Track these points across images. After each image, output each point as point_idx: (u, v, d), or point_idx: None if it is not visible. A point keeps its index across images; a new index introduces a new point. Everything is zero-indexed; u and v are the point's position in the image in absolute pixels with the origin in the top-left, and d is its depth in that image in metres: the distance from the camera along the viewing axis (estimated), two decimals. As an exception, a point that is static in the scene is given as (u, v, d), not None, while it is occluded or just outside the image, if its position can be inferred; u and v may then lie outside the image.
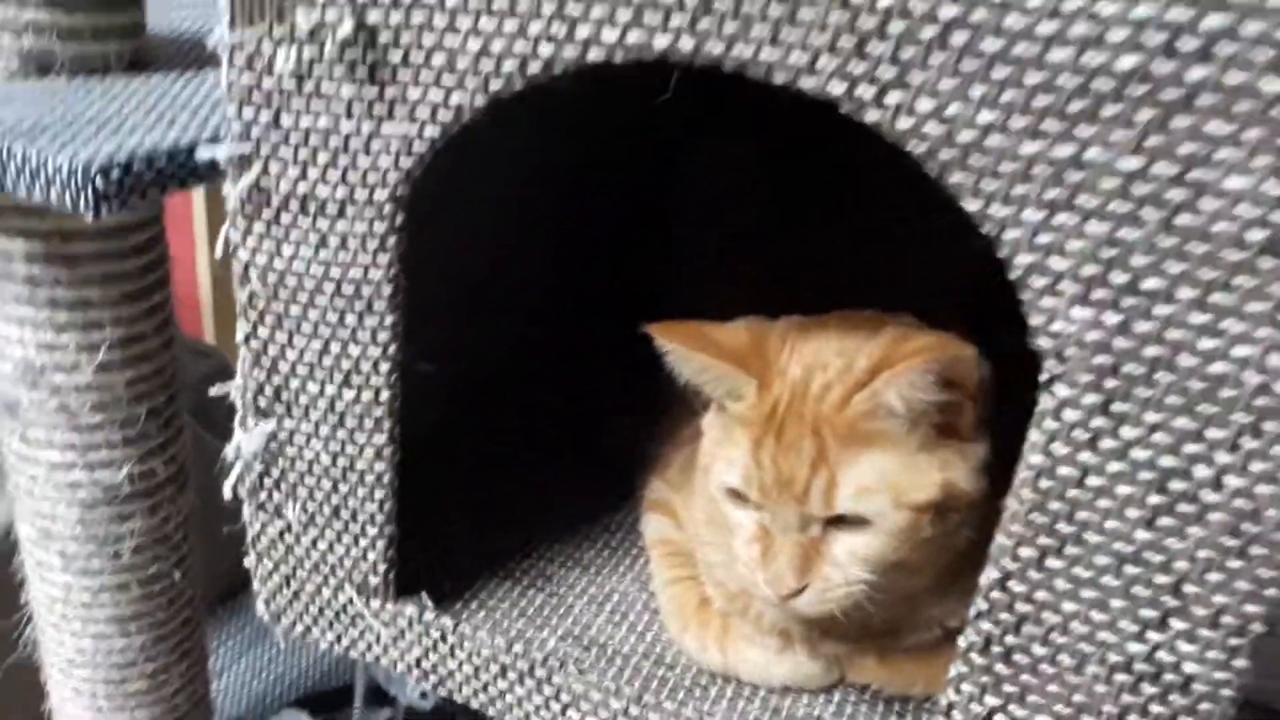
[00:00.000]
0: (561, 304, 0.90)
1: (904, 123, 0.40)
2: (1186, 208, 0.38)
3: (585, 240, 0.90)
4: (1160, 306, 0.39)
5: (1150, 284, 0.39)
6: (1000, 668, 0.47)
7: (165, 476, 0.80)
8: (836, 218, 0.77)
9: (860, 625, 0.54)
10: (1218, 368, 0.39)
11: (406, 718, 1.11)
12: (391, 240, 0.51)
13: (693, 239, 0.85)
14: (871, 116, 0.41)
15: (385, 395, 0.54)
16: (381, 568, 0.59)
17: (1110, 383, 0.41)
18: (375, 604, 0.60)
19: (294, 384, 0.56)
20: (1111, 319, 0.40)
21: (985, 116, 0.39)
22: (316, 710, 1.10)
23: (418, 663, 0.60)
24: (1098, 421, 0.41)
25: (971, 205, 0.41)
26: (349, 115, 0.49)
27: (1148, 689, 0.44)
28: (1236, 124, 0.36)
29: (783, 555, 0.50)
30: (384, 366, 0.53)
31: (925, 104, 0.40)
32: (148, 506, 0.79)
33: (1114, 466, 0.42)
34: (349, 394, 0.55)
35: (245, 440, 0.58)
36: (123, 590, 0.82)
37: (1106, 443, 0.41)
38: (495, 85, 0.46)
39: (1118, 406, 0.41)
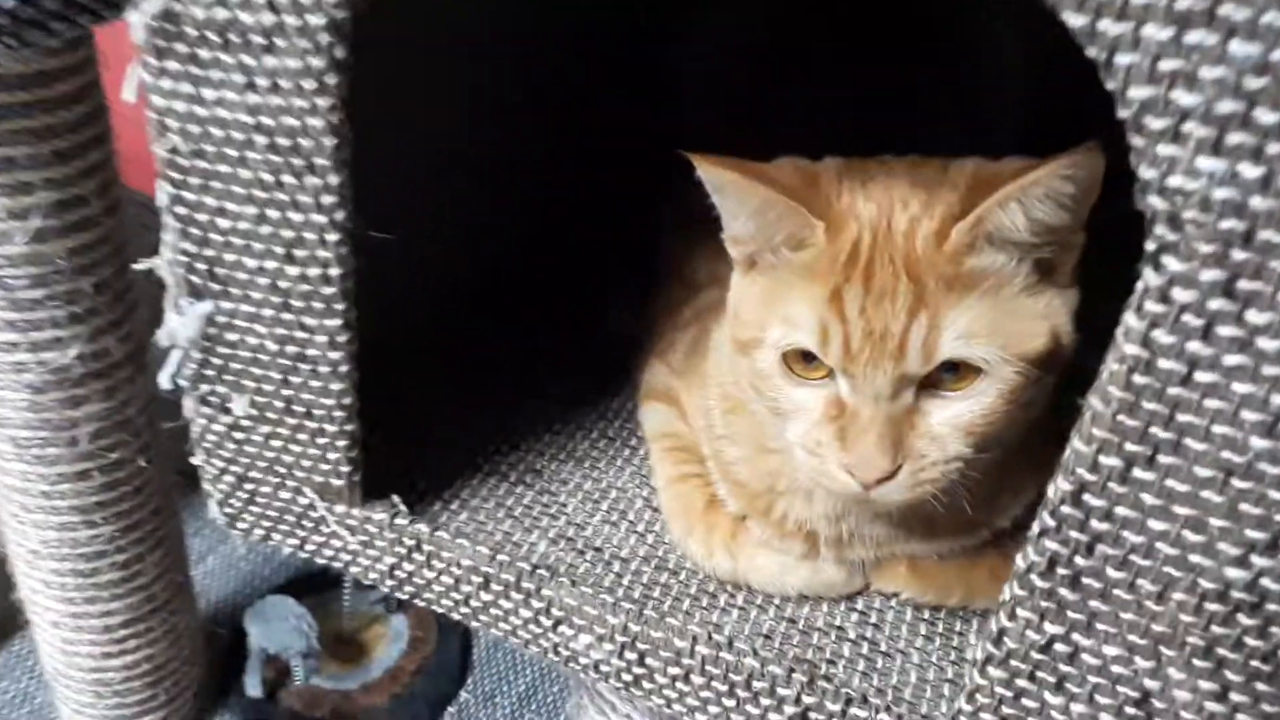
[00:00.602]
0: (554, 184, 0.79)
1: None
2: (1372, 19, 0.28)
3: (579, 116, 0.79)
4: (1319, 154, 0.30)
5: (1308, 125, 0.30)
6: (1065, 592, 0.39)
7: (120, 356, 0.72)
8: (848, 68, 0.67)
9: (926, 519, 0.48)
10: (1386, 235, 0.30)
11: (400, 602, 1.07)
12: (331, 80, 0.41)
13: (697, 104, 0.74)
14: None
15: (335, 271, 0.45)
16: (344, 469, 0.51)
17: (1239, 254, 0.32)
18: (340, 508, 0.53)
19: (229, 258, 0.47)
20: (1251, 172, 0.31)
21: (1103, -105, 0.29)
22: (304, 593, 1.05)
23: (390, 572, 0.54)
24: (1216, 303, 0.33)
25: (1075, 20, 0.31)
26: (269, -84, 0.38)
27: (1244, 620, 0.37)
28: None
29: (871, 431, 0.42)
30: (330, 237, 0.44)
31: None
32: (103, 389, 0.72)
33: (1231, 359, 0.33)
34: (293, 270, 0.46)
35: (179, 324, 0.49)
36: (83, 479, 0.76)
37: (1225, 329, 0.33)
38: None
39: (1245, 285, 0.32)
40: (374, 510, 0.53)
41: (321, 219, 0.44)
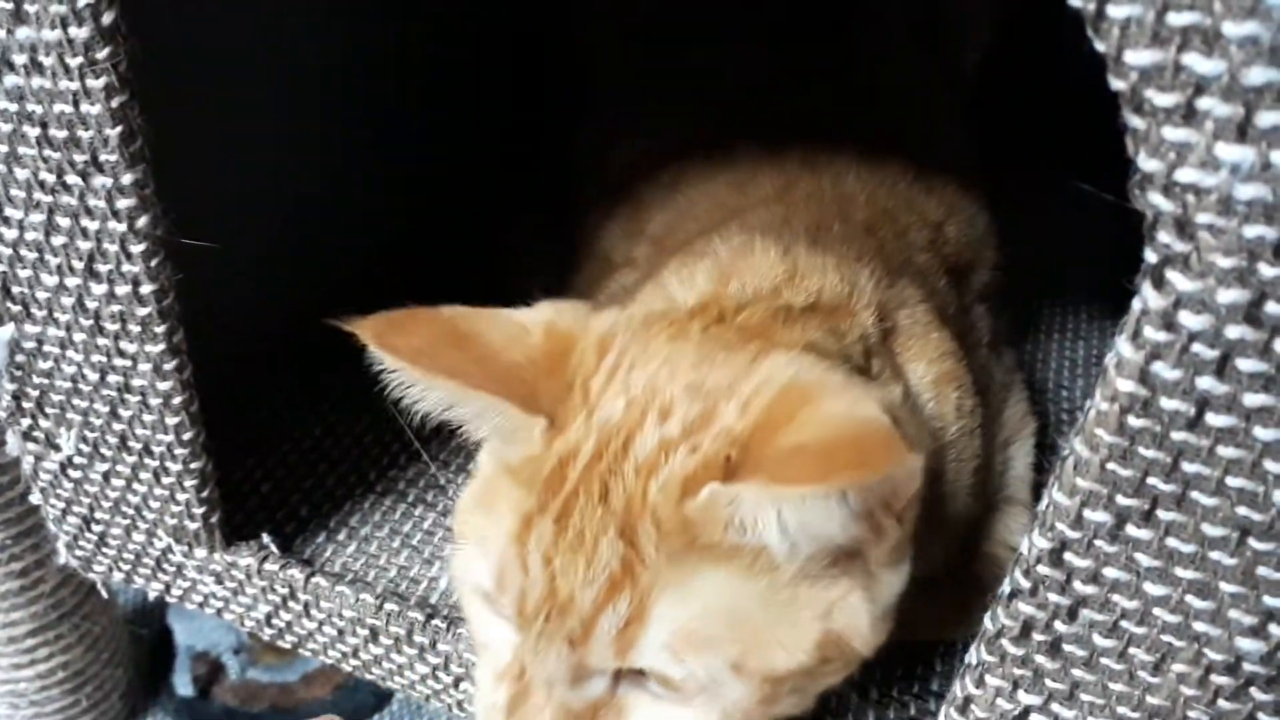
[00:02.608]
0: (449, 157, 0.69)
1: None
2: None
3: (477, 78, 0.69)
4: (1383, 139, 0.22)
5: (1371, 99, 0.21)
6: (1043, 660, 0.33)
7: None
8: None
9: None
10: None
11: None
12: (101, 53, 0.32)
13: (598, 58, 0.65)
14: None
15: (147, 289, 0.37)
16: (198, 510, 0.43)
17: (1269, 270, 0.24)
18: (200, 553, 0.45)
19: (23, 274, 0.38)
20: (1288, 163, 0.23)
21: None
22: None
23: (267, 621, 0.46)
24: (1237, 331, 0.25)
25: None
26: None
27: (1259, 695, 0.31)
28: None
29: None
30: (134, 247, 0.36)
31: None
32: None
33: (1253, 400, 0.26)
34: (98, 288, 0.37)
35: (-20, 351, 0.41)
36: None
37: (1247, 364, 0.25)
38: None
39: (1276, 308, 0.24)
40: (240, 554, 0.45)
41: (119, 226, 0.35)
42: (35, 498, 0.47)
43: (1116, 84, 0.23)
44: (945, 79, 0.64)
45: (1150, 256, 0.25)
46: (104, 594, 0.86)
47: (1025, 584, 0.31)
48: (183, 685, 0.93)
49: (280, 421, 0.52)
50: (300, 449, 0.51)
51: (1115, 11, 0.22)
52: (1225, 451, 0.27)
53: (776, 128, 0.50)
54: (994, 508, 0.46)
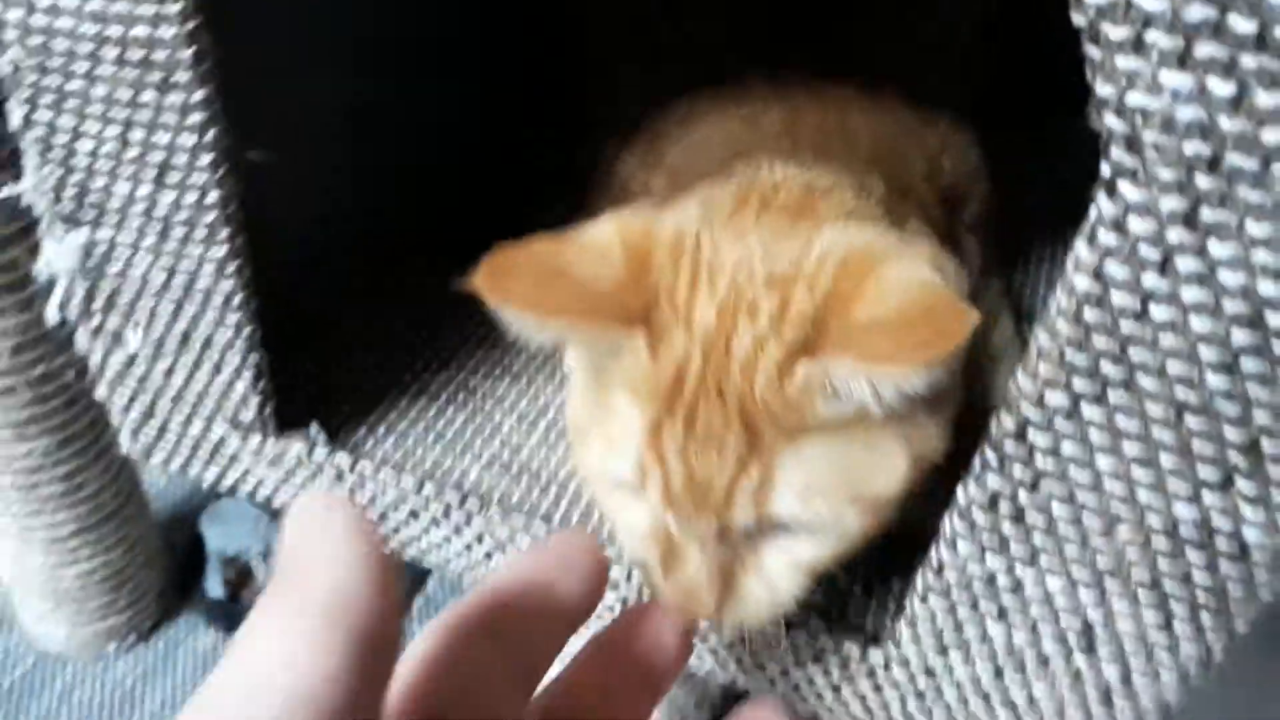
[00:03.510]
0: (479, 83, 0.72)
1: None
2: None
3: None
4: (1301, 68, 0.26)
5: (1291, 33, 0.25)
6: (1008, 528, 0.37)
7: (31, 267, 0.68)
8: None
9: None
10: (1369, 159, 0.26)
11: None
12: (180, -20, 0.35)
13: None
14: None
15: (213, 196, 0.41)
16: (254, 400, 0.48)
17: (1204, 181, 0.28)
18: (254, 440, 0.50)
19: (98, 182, 0.42)
20: (1221, 89, 0.27)
21: None
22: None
23: (315, 504, 0.51)
24: (1176, 235, 0.29)
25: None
26: None
27: (1193, 556, 0.35)
28: None
29: (696, 573, 0.37)
30: (203, 159, 0.40)
31: None
32: (15, 303, 0.67)
33: (1190, 294, 0.30)
34: (167, 195, 0.41)
35: (56, 254, 0.45)
36: (9, 394, 0.73)
37: (1185, 263, 0.29)
38: None
39: (1209, 215, 0.28)
40: (291, 441, 0.50)
41: (190, 138, 0.39)
42: (101, 392, 0.51)
43: (1077, 19, 0.27)
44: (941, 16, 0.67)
45: (1105, 170, 0.29)
46: (145, 493, 0.91)
47: (994, 459, 0.36)
48: (214, 588, 0.99)
49: (322, 322, 0.56)
50: (340, 349, 0.56)
51: (1077, -45, 0.26)
52: (1166, 340, 0.31)
53: (783, 64, 0.53)
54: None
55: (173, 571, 0.99)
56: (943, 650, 0.42)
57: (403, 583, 1.01)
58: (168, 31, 0.36)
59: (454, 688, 0.27)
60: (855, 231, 0.38)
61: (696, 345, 0.35)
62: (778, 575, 0.38)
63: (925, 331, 0.32)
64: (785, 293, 0.35)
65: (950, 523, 0.39)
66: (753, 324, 0.35)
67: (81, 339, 0.48)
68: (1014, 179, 0.58)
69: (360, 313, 0.59)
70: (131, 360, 0.48)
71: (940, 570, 0.40)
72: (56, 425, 0.78)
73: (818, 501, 0.35)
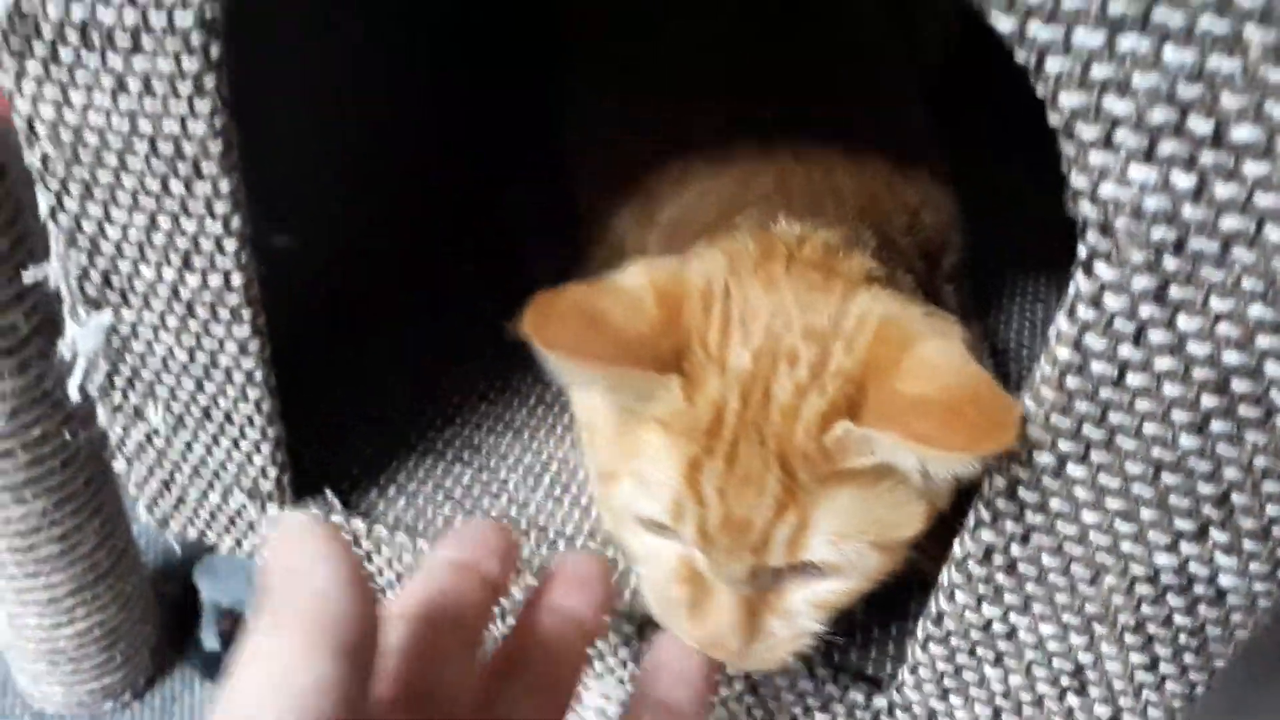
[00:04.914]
0: (467, 147, 0.74)
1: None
2: (1314, 24, 0.26)
3: (488, 66, 0.74)
4: (1253, 164, 0.29)
5: (1242, 134, 0.28)
6: (1002, 579, 0.40)
7: (28, 330, 0.68)
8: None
9: None
10: (1319, 243, 0.29)
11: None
12: (209, 81, 0.38)
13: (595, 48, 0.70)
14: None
15: (237, 280, 0.43)
16: (272, 472, 0.49)
17: (1171, 263, 0.31)
18: (272, 509, 0.51)
19: (124, 267, 0.44)
20: (1183, 181, 0.29)
21: (1030, -109, 0.27)
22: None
23: (330, 567, 0.53)
24: (1148, 310, 0.32)
25: (1003, 24, 0.29)
26: (117, -94, 0.34)
27: (1174, 600, 0.38)
28: None
29: (723, 613, 0.38)
30: (229, 245, 0.42)
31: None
32: (14, 365, 0.68)
33: (1163, 363, 0.33)
34: (192, 279, 0.43)
35: (80, 335, 0.46)
36: (7, 457, 0.74)
37: (1157, 335, 0.32)
38: None
39: (1177, 292, 0.31)
40: (308, 508, 0.51)
41: (216, 226, 0.41)
42: (119, 465, 0.53)
43: (1053, 119, 0.30)
44: (917, 66, 0.70)
45: (1082, 251, 0.32)
46: (137, 548, 0.91)
47: (986, 515, 0.38)
48: (209, 640, 1.00)
49: (329, 387, 0.58)
50: (348, 413, 0.57)
51: (1050, 66, 0.29)
52: (1142, 405, 0.34)
53: (770, 123, 0.56)
54: None
55: (166, 625, 0.99)
56: (944, 695, 0.44)
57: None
58: (198, 128, 0.39)
59: (423, 666, 0.31)
60: (888, 300, 0.39)
61: (733, 388, 0.36)
62: (800, 614, 0.39)
63: (974, 419, 0.34)
64: (824, 347, 0.37)
65: (948, 574, 0.41)
66: (793, 372, 0.36)
67: (102, 415, 0.50)
68: (988, 209, 0.60)
69: (362, 370, 0.61)
70: (151, 435, 0.50)
71: (940, 619, 0.42)
72: (54, 486, 0.79)
73: (847, 546, 0.37)
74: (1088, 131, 0.29)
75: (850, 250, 0.42)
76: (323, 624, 0.25)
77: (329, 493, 0.52)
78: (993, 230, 0.62)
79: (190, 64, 0.37)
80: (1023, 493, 0.37)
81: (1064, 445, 0.35)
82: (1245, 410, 0.33)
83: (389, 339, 0.63)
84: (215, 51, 0.37)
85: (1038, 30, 0.28)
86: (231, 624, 1.00)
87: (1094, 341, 0.33)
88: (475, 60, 0.75)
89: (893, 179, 0.57)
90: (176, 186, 0.40)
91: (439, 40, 0.71)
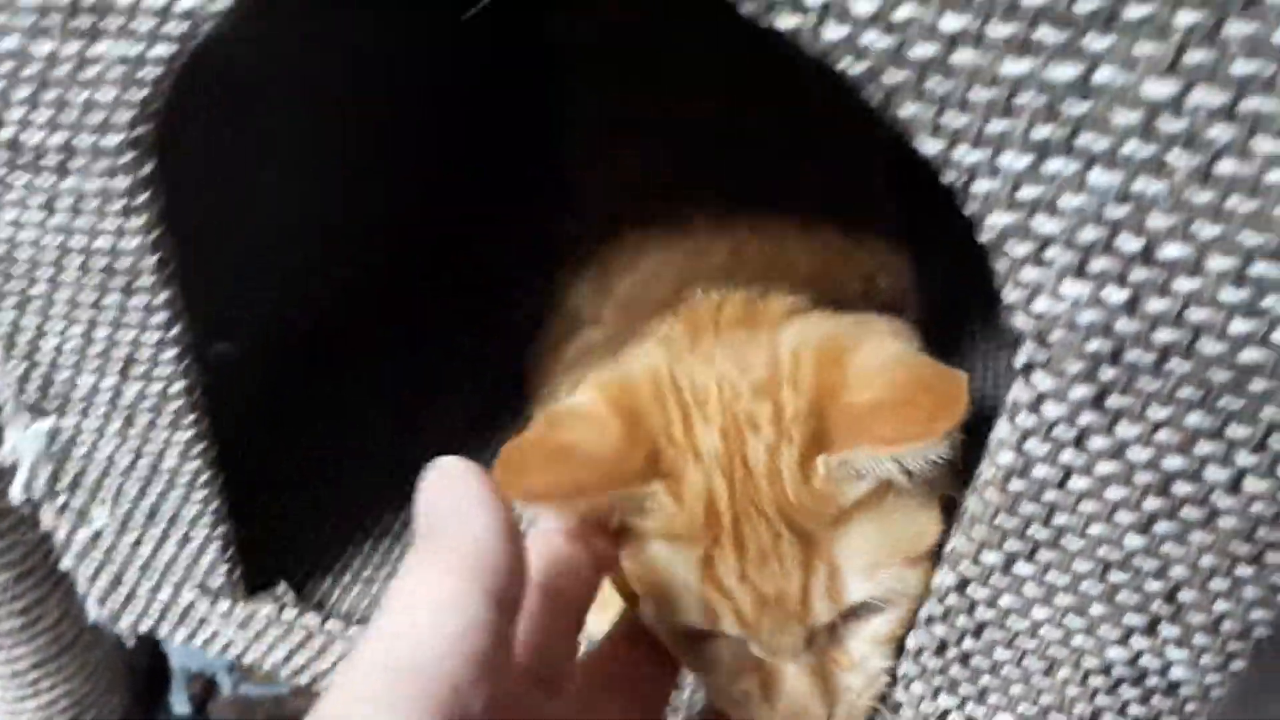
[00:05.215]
0: (408, 218, 0.74)
1: (833, 31, 0.28)
2: (1233, 151, 0.26)
3: (462, 108, 0.74)
4: (1183, 280, 0.29)
5: (1172, 251, 0.28)
6: (956, 670, 0.40)
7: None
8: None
9: None
10: (1250, 355, 0.29)
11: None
12: (142, 197, 0.37)
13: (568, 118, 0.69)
14: (787, 22, 0.28)
15: (178, 387, 0.42)
16: (222, 569, 0.49)
17: (1107, 373, 0.31)
18: (223, 604, 0.50)
19: (62, 375, 0.43)
20: (1116, 296, 0.29)
21: (951, 23, 0.27)
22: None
23: (286, 662, 0.52)
24: (1087, 418, 0.32)
25: (929, 147, 0.29)
26: (42, 31, 0.34)
27: (1128, 691, 0.38)
28: (1320, 36, 0.24)
29: (797, 690, 0.37)
30: (167, 353, 0.41)
31: (865, 4, 0.27)
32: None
33: (1104, 468, 0.33)
34: (132, 387, 0.42)
35: (20, 441, 0.46)
36: (-39, 535, 0.72)
37: (1097, 442, 0.32)
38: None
39: (1114, 401, 0.31)
40: (260, 603, 0.50)
41: (153, 336, 0.41)
42: (67, 563, 0.52)
43: (983, 238, 0.30)
44: (877, 134, 0.70)
45: (1019, 360, 0.32)
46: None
47: (938, 610, 0.38)
48: (179, 704, 0.98)
49: (277, 477, 0.57)
50: (296, 500, 0.56)
51: (978, 188, 0.29)
52: (1085, 507, 0.34)
53: (729, 190, 0.56)
54: None
55: (136, 691, 0.97)
56: (905, 783, 0.44)
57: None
58: (131, 242, 0.38)
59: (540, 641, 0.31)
60: (815, 323, 0.40)
61: (714, 473, 0.36)
62: (867, 658, 0.39)
63: (927, 404, 0.34)
64: (774, 397, 0.36)
65: (904, 665, 0.41)
66: (758, 435, 0.36)
67: (46, 516, 0.49)
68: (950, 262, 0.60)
69: (317, 451, 0.60)
70: (98, 535, 0.49)
71: (897, 710, 0.42)
72: (15, 560, 0.77)
73: (883, 574, 0.36)
74: (1018, 249, 0.29)
75: (771, 295, 0.42)
76: (481, 569, 0.25)
77: (282, 585, 0.51)
78: (957, 281, 0.62)
79: (120, 183, 0.36)
80: (972, 589, 0.37)
81: (1011, 544, 0.35)
82: (1189, 512, 0.33)
83: (348, 407, 0.62)
84: (147, 169, 0.36)
85: (964, 154, 0.28)
86: (202, 689, 0.99)
87: (1035, 447, 0.33)
88: (451, 103, 0.75)
89: (847, 245, 0.57)
90: (112, 299, 0.40)
91: (414, 81, 0.71)
